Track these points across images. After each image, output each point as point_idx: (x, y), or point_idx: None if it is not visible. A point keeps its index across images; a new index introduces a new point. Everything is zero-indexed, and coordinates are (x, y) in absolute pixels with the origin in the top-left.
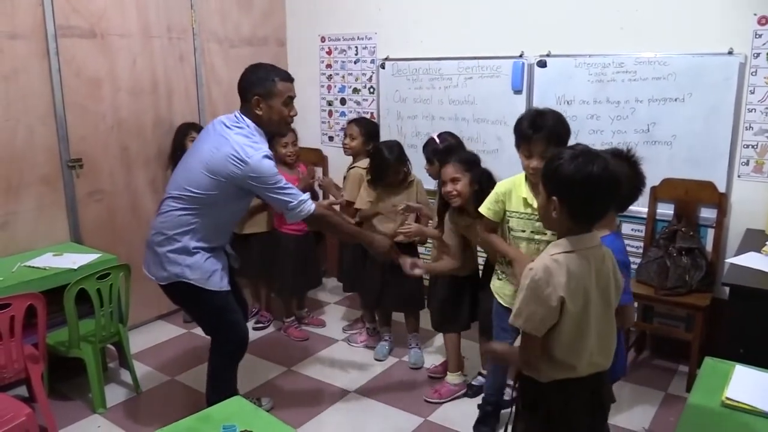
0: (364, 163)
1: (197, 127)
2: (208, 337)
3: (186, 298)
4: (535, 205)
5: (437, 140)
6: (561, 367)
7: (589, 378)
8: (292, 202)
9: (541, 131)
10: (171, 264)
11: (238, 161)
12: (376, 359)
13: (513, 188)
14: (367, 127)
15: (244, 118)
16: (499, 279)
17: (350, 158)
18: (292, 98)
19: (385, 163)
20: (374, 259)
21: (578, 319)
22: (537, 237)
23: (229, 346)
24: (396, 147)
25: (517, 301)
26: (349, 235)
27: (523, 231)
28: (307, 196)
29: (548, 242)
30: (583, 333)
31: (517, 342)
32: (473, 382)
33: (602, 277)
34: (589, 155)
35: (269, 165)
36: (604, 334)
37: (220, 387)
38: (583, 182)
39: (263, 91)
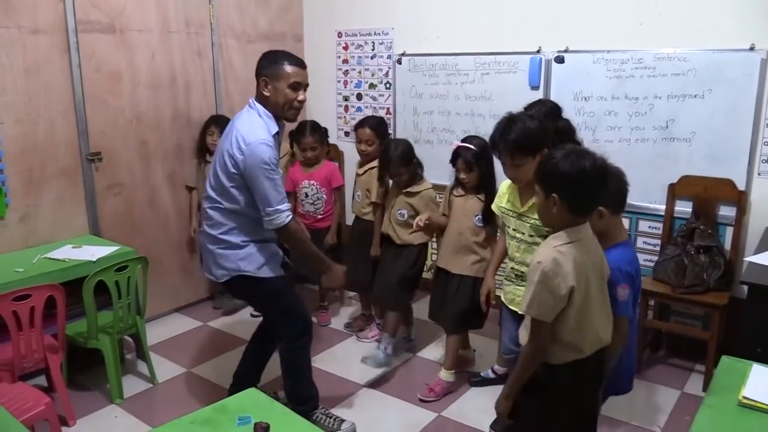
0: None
1: (219, 121)
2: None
3: (246, 290)
4: (517, 203)
5: (470, 146)
6: (570, 349)
7: (593, 356)
8: (272, 205)
9: (500, 143)
10: (226, 260)
11: (239, 147)
12: (364, 361)
13: (510, 186)
14: (380, 128)
15: (256, 103)
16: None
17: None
18: (300, 84)
19: (387, 160)
20: (384, 257)
21: (582, 303)
22: (518, 235)
23: (294, 330)
24: (402, 145)
25: (528, 292)
26: (310, 255)
27: (508, 227)
28: (287, 206)
29: (525, 242)
30: (586, 315)
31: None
32: (482, 374)
33: (597, 262)
34: (579, 152)
35: (267, 150)
36: (603, 312)
37: (297, 378)
38: (578, 177)
39: (270, 73)
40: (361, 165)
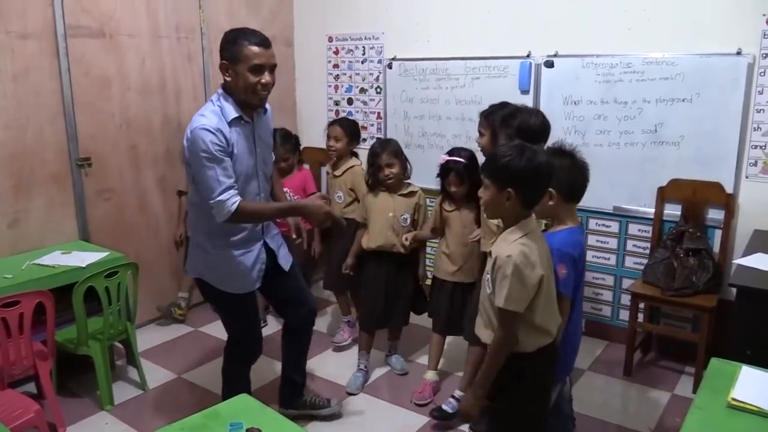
0: (353, 161)
1: None
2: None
3: (207, 294)
4: None
5: (459, 159)
6: (541, 333)
7: (555, 339)
8: (212, 197)
9: None
10: (197, 261)
11: (186, 135)
12: (349, 393)
13: None
14: (350, 128)
15: (220, 89)
16: None
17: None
18: (262, 66)
19: (377, 153)
20: (378, 274)
21: (546, 288)
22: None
23: (241, 349)
24: (391, 140)
25: (502, 287)
26: (277, 213)
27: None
28: (230, 194)
29: None
30: (549, 299)
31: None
32: (443, 406)
33: (546, 251)
34: (532, 150)
35: (206, 136)
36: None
37: (233, 385)
38: (534, 172)
39: (229, 55)
40: (333, 166)
